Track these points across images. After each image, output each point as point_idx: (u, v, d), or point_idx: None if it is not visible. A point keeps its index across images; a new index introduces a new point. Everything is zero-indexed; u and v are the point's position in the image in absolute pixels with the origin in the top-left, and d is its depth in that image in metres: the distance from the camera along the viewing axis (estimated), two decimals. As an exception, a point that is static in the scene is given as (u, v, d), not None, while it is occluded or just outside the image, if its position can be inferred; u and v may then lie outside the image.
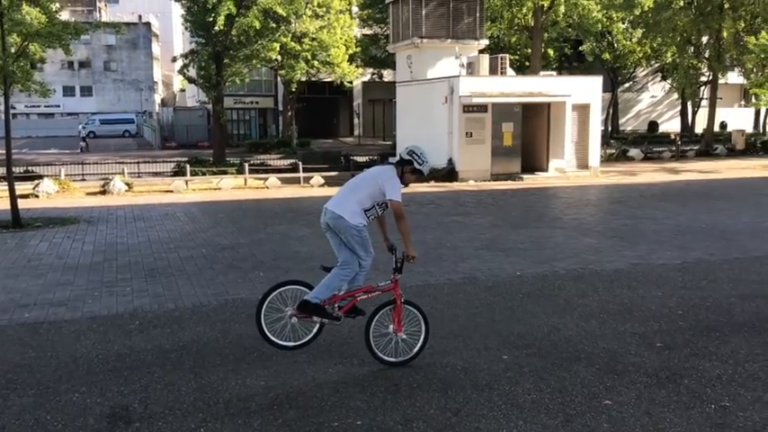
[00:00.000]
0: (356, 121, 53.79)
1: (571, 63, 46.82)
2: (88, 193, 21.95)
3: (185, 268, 9.76)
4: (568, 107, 24.10)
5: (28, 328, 6.89)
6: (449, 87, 23.45)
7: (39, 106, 67.39)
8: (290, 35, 36.37)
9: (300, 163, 27.06)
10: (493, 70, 25.13)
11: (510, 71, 26.45)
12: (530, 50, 37.77)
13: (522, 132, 23.95)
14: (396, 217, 5.49)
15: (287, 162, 30.16)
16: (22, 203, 14.98)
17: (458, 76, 23.82)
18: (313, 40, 37.68)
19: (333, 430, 4.58)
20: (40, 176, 23.83)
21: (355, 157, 30.61)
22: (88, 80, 74.45)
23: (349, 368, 5.69)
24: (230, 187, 23.65)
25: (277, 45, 35.07)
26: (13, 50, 14.52)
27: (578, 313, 7.21)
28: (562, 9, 34.14)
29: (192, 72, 33.58)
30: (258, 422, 4.70)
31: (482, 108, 23.31)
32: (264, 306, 5.54)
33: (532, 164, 24.52)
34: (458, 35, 26.45)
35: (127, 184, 22.62)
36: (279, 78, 43.20)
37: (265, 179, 24.90)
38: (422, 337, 5.79)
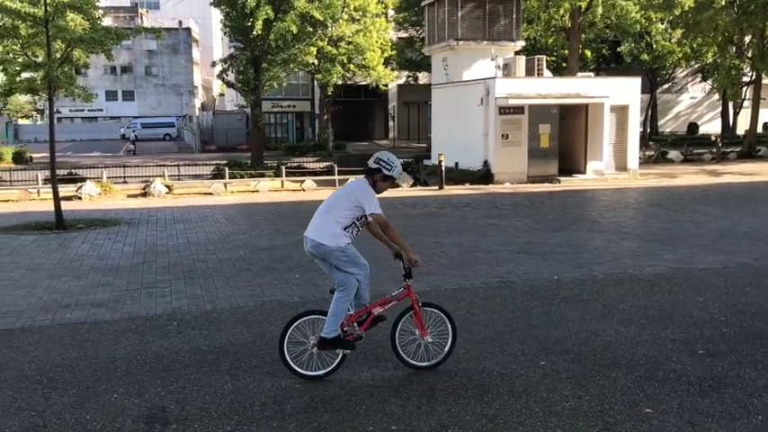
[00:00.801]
0: (391, 123, 53.83)
1: (609, 64, 46.17)
2: (129, 196, 22.37)
3: (223, 270, 9.85)
4: (606, 108, 23.76)
5: (69, 329, 7.02)
6: (485, 89, 23.31)
7: (82, 110, 68.87)
8: (327, 39, 36.58)
9: (336, 166, 27.24)
10: (529, 72, 24.93)
11: (547, 72, 26.21)
12: (567, 52, 37.37)
13: (560, 134, 23.69)
14: (382, 228, 5.39)
15: (323, 165, 30.38)
16: (65, 205, 15.29)
17: (494, 78, 23.68)
18: (349, 43, 37.81)
19: (368, 434, 4.56)
20: (83, 179, 24.36)
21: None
22: (130, 84, 75.91)
23: (384, 372, 5.66)
24: (268, 189, 23.89)
25: (314, 49, 35.33)
26: (57, 56, 14.84)
27: (617, 319, 7.08)
28: (600, 10, 33.68)
29: (231, 76, 34.00)
30: (293, 425, 4.70)
31: (518, 110, 23.13)
32: (286, 341, 5.47)
33: (570, 166, 24.24)
34: (494, 37, 26.33)
35: (167, 187, 23.00)
36: (315, 82, 43.43)
37: (302, 182, 25.10)
38: (450, 336, 5.72)
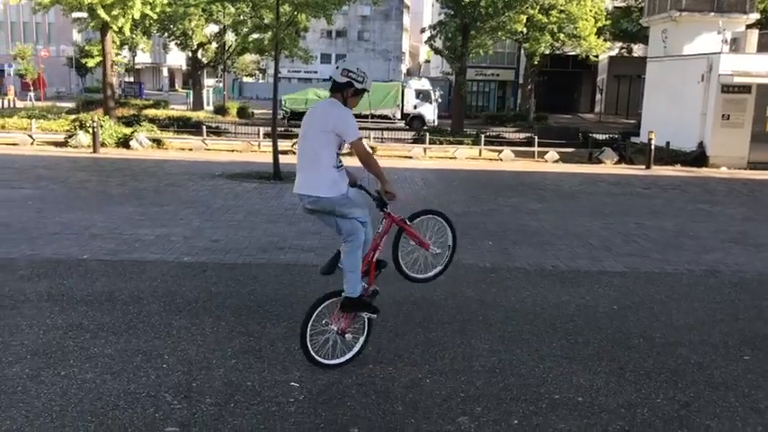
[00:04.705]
0: (598, 97, 51.53)
1: None
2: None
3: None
4: None
5: (282, 268, 7.75)
6: (707, 65, 21.61)
7: (299, 71, 73.32)
8: (538, 7, 35.70)
9: (536, 137, 26.74)
10: (762, 48, 22.69)
11: (784, 49, 23.65)
12: (811, 26, 33.31)
13: (792, 118, 21.44)
14: (361, 157, 4.80)
15: (522, 136, 29.96)
16: (282, 159, 16.56)
17: (719, 53, 21.86)
18: (561, 11, 36.62)
19: (553, 402, 4.62)
20: (297, 135, 26.12)
21: (594, 135, 29.47)
22: (343, 49, 79.32)
23: (573, 345, 5.65)
24: (465, 157, 24.12)
25: (524, 17, 34.64)
26: (284, 19, 16.00)
27: (841, 323, 6.44)
28: None
29: (439, 43, 34.43)
30: (481, 382, 4.88)
31: (744, 89, 21.22)
32: (308, 332, 5.01)
33: (800, 154, 21.87)
34: (723, 8, 24.24)
35: (371, 148, 24.03)
36: (522, 51, 42.68)
37: (499, 151, 25.00)
38: (448, 228, 5.42)
